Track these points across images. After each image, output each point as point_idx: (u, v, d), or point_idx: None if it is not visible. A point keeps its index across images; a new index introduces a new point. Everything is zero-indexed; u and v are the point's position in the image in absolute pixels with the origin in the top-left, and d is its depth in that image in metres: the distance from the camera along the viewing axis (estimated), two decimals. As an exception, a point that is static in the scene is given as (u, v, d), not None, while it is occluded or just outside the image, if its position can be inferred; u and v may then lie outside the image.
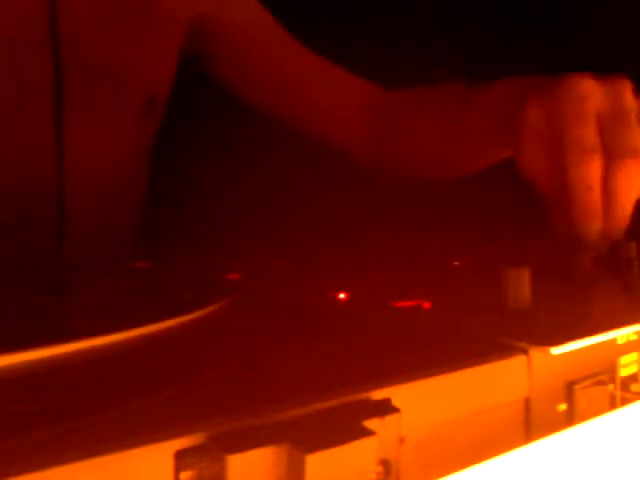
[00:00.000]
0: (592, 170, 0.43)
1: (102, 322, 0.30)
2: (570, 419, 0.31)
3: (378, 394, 0.24)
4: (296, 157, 0.87)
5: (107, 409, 0.22)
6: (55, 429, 0.20)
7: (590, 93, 0.45)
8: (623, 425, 0.29)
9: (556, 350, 0.29)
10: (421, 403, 0.26)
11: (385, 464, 0.23)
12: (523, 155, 0.47)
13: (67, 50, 0.62)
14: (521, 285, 0.37)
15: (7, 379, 0.24)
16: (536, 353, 0.30)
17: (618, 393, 0.34)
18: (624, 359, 0.35)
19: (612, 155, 0.43)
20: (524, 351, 0.30)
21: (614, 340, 0.34)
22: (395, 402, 0.24)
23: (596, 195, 0.44)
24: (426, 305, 0.39)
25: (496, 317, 0.36)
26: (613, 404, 0.34)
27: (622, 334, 0.34)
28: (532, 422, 0.30)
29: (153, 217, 0.84)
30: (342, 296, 0.42)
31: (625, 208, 0.45)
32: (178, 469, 0.20)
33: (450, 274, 0.50)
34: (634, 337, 0.35)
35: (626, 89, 0.46)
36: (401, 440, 0.23)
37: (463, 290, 0.44)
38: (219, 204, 0.93)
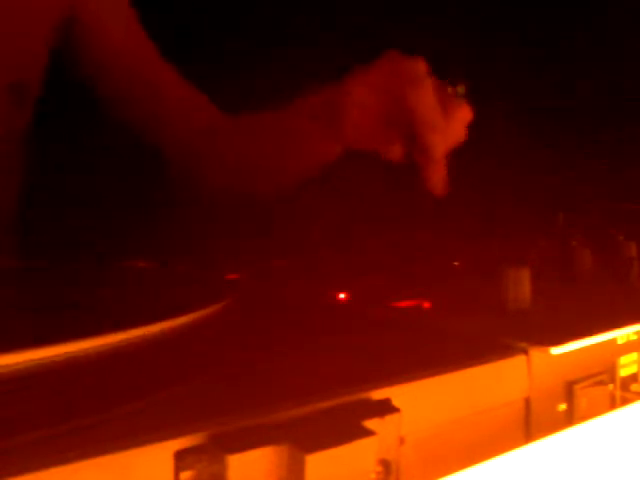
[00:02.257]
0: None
1: (102, 322, 0.30)
2: (570, 419, 0.31)
3: (378, 394, 0.24)
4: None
5: (107, 409, 0.22)
6: (55, 429, 0.20)
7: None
8: (623, 425, 0.29)
9: (556, 350, 0.29)
10: (421, 403, 0.26)
11: (385, 464, 0.23)
12: (347, 125, 0.55)
13: None
14: (521, 285, 0.37)
15: (7, 379, 0.24)
16: (536, 353, 0.30)
17: (618, 393, 0.34)
18: (624, 359, 0.35)
19: None
20: (524, 351, 0.30)
21: (614, 340, 0.34)
22: (395, 402, 0.24)
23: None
24: (426, 305, 0.39)
25: (496, 317, 0.36)
26: (613, 404, 0.34)
27: (622, 334, 0.34)
28: (532, 422, 0.30)
29: (153, 217, 0.84)
30: (342, 296, 0.42)
31: None
32: (178, 469, 0.20)
33: (450, 274, 0.50)
34: (634, 337, 0.35)
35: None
36: (401, 440, 0.23)
37: (463, 290, 0.44)
38: (220, 204, 0.92)
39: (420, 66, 0.55)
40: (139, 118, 0.75)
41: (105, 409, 0.22)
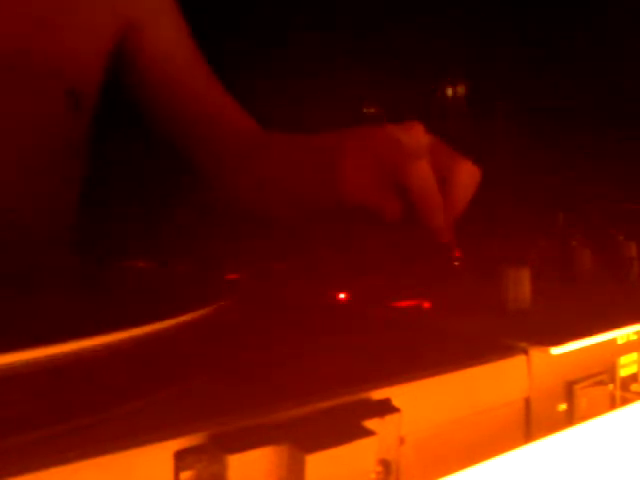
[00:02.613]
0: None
1: (102, 322, 0.30)
2: (570, 419, 0.31)
3: (378, 394, 0.24)
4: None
5: (107, 409, 0.22)
6: (55, 429, 0.20)
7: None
8: (623, 425, 0.29)
9: (556, 350, 0.29)
10: (421, 403, 0.26)
11: (385, 464, 0.23)
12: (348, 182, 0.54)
13: None
14: (521, 285, 0.37)
15: (7, 379, 0.24)
16: (536, 353, 0.30)
17: (618, 393, 0.34)
18: (624, 359, 0.35)
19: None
20: (524, 351, 0.30)
21: (614, 340, 0.34)
22: (395, 402, 0.24)
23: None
24: (426, 305, 0.39)
25: (496, 317, 0.36)
26: (613, 404, 0.34)
27: (622, 334, 0.34)
28: (532, 422, 0.30)
29: (153, 217, 0.84)
30: (342, 296, 0.42)
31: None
32: (178, 469, 0.20)
33: (450, 274, 0.50)
34: (634, 337, 0.35)
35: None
36: (401, 440, 0.23)
37: (463, 290, 0.44)
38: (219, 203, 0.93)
39: (417, 140, 0.53)
40: (177, 127, 0.76)
41: (105, 409, 0.22)
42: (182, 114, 0.76)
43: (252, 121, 0.77)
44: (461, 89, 1.21)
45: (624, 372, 0.35)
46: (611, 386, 0.34)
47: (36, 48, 0.64)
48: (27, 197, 0.66)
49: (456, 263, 0.52)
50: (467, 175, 0.53)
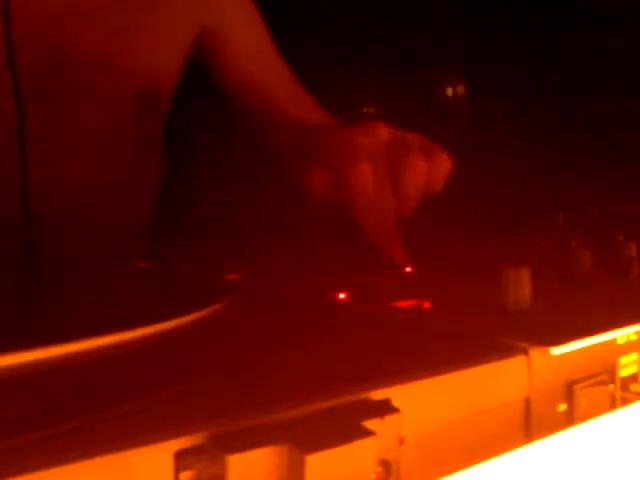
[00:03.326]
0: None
1: (102, 322, 0.30)
2: (570, 419, 0.31)
3: (378, 394, 0.24)
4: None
5: (107, 409, 0.22)
6: (55, 429, 0.20)
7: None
8: (623, 425, 0.29)
9: (556, 350, 0.29)
10: (421, 403, 0.26)
11: (385, 464, 0.23)
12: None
13: (25, 50, 0.60)
14: (521, 285, 0.37)
15: (7, 379, 0.24)
16: (536, 353, 0.30)
17: (618, 393, 0.34)
18: (624, 359, 0.35)
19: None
20: (524, 351, 0.30)
21: (614, 340, 0.34)
22: (395, 402, 0.24)
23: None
24: (426, 305, 0.39)
25: (496, 317, 0.36)
26: (613, 404, 0.34)
27: (622, 334, 0.34)
28: (532, 422, 0.30)
29: (153, 216, 0.84)
30: (342, 296, 0.42)
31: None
32: (178, 469, 0.20)
33: (450, 274, 0.50)
34: (634, 337, 0.35)
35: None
36: (401, 440, 0.23)
37: (463, 290, 0.44)
38: (220, 204, 0.93)
39: (375, 140, 0.51)
40: (259, 121, 0.77)
41: (105, 409, 0.22)
42: (264, 110, 0.76)
43: (332, 118, 0.77)
44: (461, 89, 1.21)
45: (624, 372, 0.35)
46: (611, 386, 0.34)
47: (116, 53, 0.64)
48: (109, 197, 0.67)
49: (456, 263, 0.52)
50: (415, 172, 0.50)
